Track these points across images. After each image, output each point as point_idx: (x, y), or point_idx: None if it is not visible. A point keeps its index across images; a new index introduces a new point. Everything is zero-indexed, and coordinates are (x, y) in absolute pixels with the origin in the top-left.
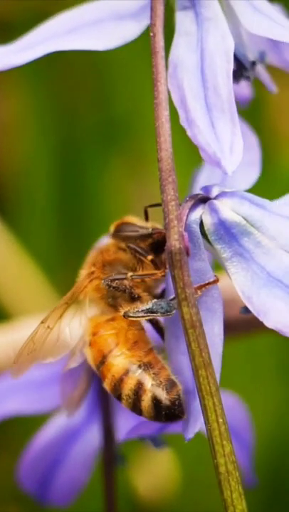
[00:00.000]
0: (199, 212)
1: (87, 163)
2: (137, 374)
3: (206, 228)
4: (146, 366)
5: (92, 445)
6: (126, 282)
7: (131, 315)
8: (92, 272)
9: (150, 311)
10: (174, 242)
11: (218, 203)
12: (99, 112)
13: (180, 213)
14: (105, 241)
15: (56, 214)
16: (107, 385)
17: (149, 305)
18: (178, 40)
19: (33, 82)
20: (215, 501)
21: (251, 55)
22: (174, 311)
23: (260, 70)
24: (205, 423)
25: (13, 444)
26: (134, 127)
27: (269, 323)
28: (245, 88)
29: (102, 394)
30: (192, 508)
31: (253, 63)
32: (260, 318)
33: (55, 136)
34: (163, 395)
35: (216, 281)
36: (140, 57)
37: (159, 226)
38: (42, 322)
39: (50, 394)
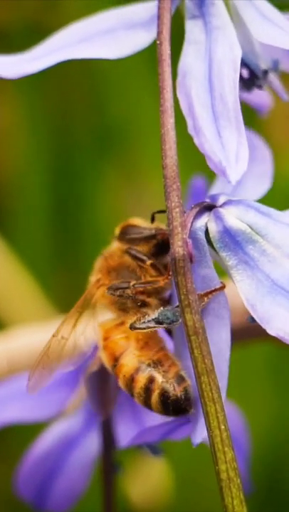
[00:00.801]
0: (204, 220)
1: (82, 172)
2: (147, 372)
3: (211, 236)
4: (156, 364)
5: (91, 453)
6: (129, 291)
7: (137, 326)
8: (99, 279)
9: (156, 321)
10: (177, 248)
11: (223, 211)
12: (93, 121)
13: (184, 220)
14: (112, 245)
15: (50, 222)
16: (121, 384)
17: (155, 315)
18: (187, 49)
19: (27, 91)
20: (208, 508)
21: (263, 64)
22: (180, 320)
23: (272, 79)
24: (207, 429)
25: (11, 452)
26: (129, 135)
27: (272, 330)
28: (264, 97)
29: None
30: None
31: (265, 72)
32: (263, 326)
33: (49, 145)
34: (171, 391)
35: (222, 287)
36: (135, 66)
37: (164, 227)
38: (53, 336)
39: (48, 401)
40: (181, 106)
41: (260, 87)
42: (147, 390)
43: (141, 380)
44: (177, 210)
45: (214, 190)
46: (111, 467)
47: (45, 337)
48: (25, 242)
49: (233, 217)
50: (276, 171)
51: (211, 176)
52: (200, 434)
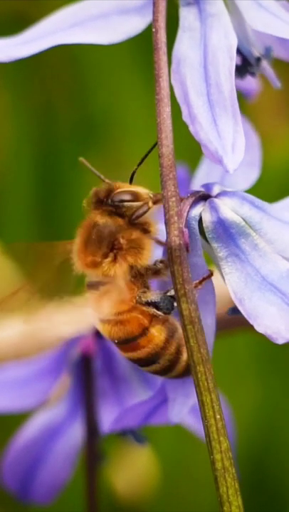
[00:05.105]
0: (199, 210)
1: (66, 162)
2: (175, 338)
3: (204, 226)
4: (176, 326)
5: (74, 442)
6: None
7: (139, 301)
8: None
9: (155, 304)
10: (173, 237)
11: (218, 202)
12: (77, 110)
13: (181, 209)
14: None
15: (34, 214)
16: (142, 354)
17: (156, 298)
18: (181, 36)
19: (9, 79)
20: (194, 497)
21: (256, 51)
22: (172, 312)
23: (265, 66)
24: (202, 419)
25: None
26: (113, 125)
27: (259, 327)
28: (252, 82)
29: (85, 389)
30: (171, 506)
31: (258, 59)
32: (251, 322)
33: (32, 136)
34: None
35: (210, 275)
36: (119, 55)
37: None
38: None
39: (31, 391)
40: (176, 93)
41: (253, 74)
42: (177, 354)
43: (172, 346)
44: (174, 199)
45: (200, 176)
46: (95, 457)
47: (29, 328)
48: (9, 233)
49: (228, 209)
50: (264, 162)
51: (193, 165)
52: (177, 414)
